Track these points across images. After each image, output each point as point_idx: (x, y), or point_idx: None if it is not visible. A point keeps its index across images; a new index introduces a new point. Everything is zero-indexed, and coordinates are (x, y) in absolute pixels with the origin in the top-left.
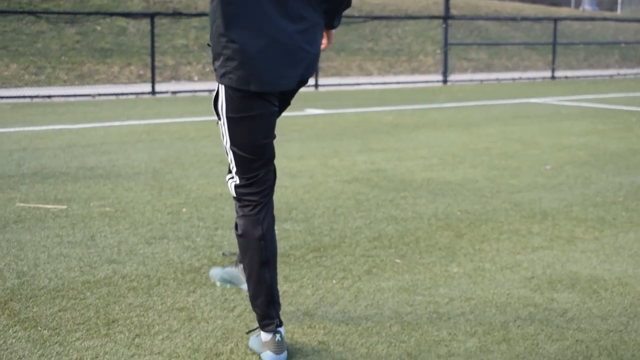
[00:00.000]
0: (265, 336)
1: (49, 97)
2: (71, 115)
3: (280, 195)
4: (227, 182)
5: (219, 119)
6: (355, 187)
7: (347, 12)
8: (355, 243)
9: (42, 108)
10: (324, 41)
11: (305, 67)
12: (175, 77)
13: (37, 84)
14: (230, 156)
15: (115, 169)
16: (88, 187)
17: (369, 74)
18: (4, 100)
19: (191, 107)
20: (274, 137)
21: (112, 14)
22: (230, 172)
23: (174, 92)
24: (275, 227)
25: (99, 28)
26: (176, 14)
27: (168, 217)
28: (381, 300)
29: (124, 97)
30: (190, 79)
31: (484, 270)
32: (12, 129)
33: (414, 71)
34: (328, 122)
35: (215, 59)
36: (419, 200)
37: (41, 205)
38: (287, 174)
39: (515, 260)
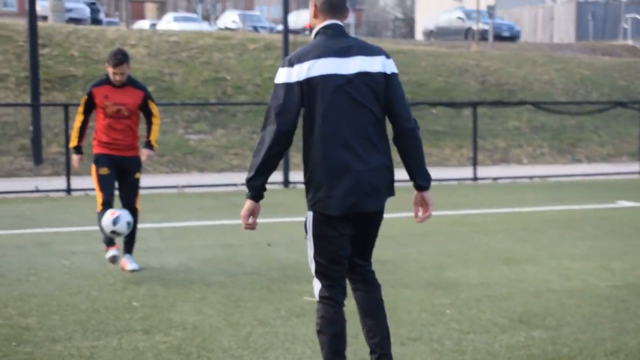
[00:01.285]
0: None
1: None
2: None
3: (544, 300)
4: (313, 287)
5: (306, 233)
6: (622, 294)
7: None
8: (591, 356)
9: None
10: (421, 209)
11: (367, 199)
12: (506, 160)
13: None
14: (313, 264)
15: (405, 264)
16: None
17: None
18: None
19: (504, 196)
20: (348, 251)
21: (440, 104)
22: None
23: (495, 178)
24: (522, 334)
25: (434, 111)
26: (497, 103)
27: (430, 317)
28: None
29: (446, 182)
30: (519, 161)
31: None
32: None
33: None
34: (634, 217)
35: (306, 190)
36: None
37: None
38: (562, 275)
39: None
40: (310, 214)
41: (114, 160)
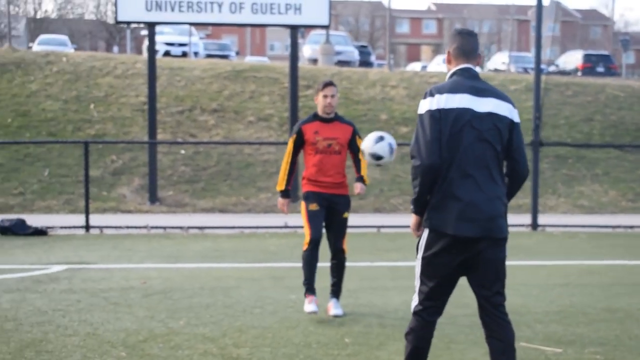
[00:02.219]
0: None
1: (632, 227)
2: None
3: None
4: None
5: (417, 253)
6: None
7: None
8: None
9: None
10: None
11: (484, 226)
12: None
13: (633, 211)
14: (418, 283)
15: (637, 313)
16: (596, 330)
17: None
18: (585, 230)
19: None
20: (453, 282)
21: None
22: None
23: None
24: None
25: None
26: None
27: None
28: None
29: None
30: None
31: None
32: (556, 262)
33: None
34: None
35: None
36: None
37: (541, 347)
38: None
39: None
40: (425, 233)
41: (324, 199)
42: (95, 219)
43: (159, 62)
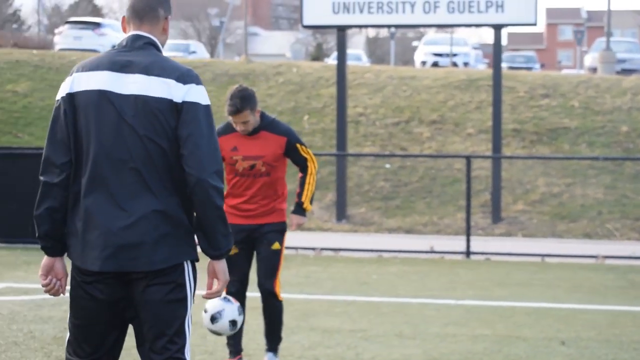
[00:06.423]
0: None
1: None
2: None
3: None
4: None
5: None
6: None
7: None
8: None
9: None
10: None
11: (121, 256)
12: None
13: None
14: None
15: None
16: None
17: None
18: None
19: None
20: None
21: None
22: None
23: None
24: None
25: None
26: None
27: None
28: None
29: None
30: None
31: None
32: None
33: None
34: None
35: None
36: None
37: None
38: None
39: None
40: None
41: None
42: None
43: (391, 70)
